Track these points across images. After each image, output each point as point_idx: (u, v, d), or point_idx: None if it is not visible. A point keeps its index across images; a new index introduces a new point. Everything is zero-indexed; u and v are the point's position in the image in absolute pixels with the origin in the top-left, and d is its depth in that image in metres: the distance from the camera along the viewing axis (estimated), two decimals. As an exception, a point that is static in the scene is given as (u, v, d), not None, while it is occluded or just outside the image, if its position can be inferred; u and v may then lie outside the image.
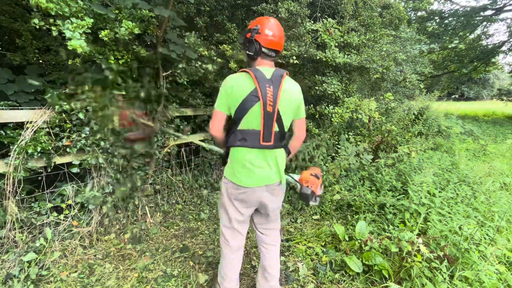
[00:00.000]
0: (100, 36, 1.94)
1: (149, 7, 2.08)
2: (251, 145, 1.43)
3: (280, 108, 1.42)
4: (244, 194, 1.49)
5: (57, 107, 2.08)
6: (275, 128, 1.43)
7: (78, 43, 1.58)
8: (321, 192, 1.66)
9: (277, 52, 1.49)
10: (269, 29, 1.42)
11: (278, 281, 1.72)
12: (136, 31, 1.97)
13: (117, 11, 1.98)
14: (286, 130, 1.50)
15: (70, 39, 1.58)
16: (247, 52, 1.50)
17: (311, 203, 1.63)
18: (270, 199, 1.54)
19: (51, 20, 1.65)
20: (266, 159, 1.47)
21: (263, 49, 1.43)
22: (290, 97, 1.45)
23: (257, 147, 1.43)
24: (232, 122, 1.47)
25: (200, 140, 3.00)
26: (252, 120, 1.40)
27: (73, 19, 1.61)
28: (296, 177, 1.70)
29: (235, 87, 1.40)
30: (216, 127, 1.50)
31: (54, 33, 1.62)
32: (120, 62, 2.20)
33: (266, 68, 1.45)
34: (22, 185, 1.99)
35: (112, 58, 2.13)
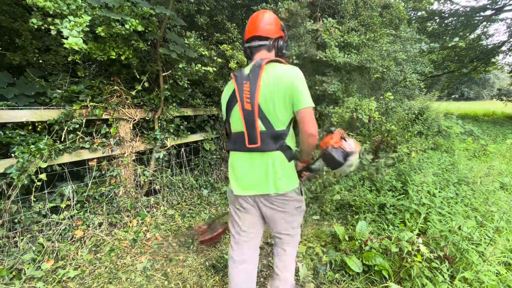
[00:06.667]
0: (97, 31, 1.94)
1: (150, 6, 2.08)
2: (238, 148, 1.34)
3: (262, 103, 1.22)
4: (238, 201, 1.39)
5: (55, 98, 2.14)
6: (261, 127, 1.24)
7: (74, 40, 1.57)
8: (350, 147, 1.24)
9: (260, 38, 1.35)
10: (246, 26, 1.43)
11: (286, 283, 1.54)
12: (139, 28, 1.97)
13: (119, 10, 1.98)
14: (279, 128, 1.25)
15: (67, 37, 1.58)
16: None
17: (346, 164, 1.22)
18: (272, 212, 1.34)
19: (49, 19, 1.64)
20: (254, 165, 1.29)
21: (245, 45, 1.43)
22: (274, 85, 1.21)
23: (243, 151, 1.31)
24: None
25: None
26: (236, 122, 1.33)
27: (71, 17, 1.61)
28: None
29: (222, 94, 1.44)
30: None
31: (53, 32, 1.62)
32: (122, 57, 2.20)
33: (252, 63, 1.33)
34: (22, 185, 1.99)
35: (113, 53, 2.12)
